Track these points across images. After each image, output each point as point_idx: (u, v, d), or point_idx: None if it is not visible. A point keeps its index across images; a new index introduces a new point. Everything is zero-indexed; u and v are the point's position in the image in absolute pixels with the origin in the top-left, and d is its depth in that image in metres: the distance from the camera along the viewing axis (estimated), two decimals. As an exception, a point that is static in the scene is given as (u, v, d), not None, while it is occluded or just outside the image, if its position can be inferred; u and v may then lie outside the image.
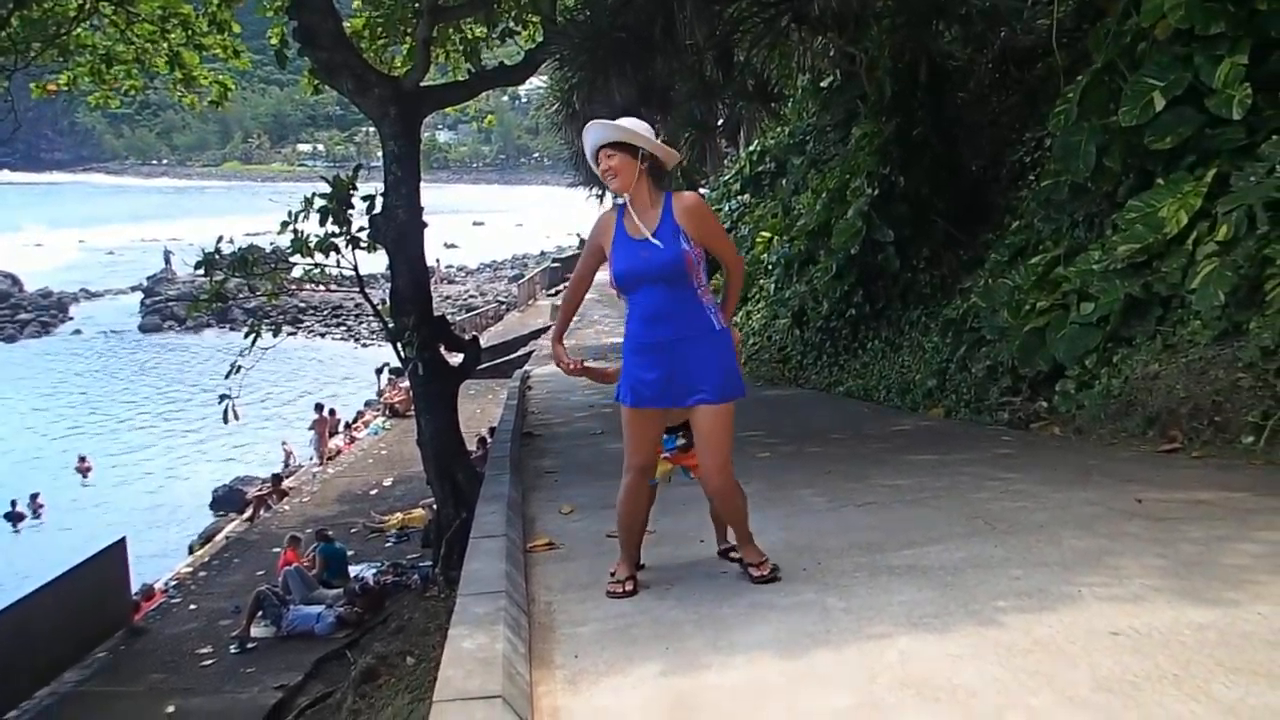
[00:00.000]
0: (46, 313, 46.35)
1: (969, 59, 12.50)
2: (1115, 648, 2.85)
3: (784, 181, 19.02)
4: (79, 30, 12.42)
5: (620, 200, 3.69)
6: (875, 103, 12.25)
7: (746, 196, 21.10)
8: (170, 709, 9.66)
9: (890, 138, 11.81)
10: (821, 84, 15.39)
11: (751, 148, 20.79)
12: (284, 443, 24.30)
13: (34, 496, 22.30)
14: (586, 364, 4.04)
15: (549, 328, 28.64)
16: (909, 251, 11.55)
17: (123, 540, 12.46)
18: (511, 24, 12.52)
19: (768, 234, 17.30)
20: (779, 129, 18.79)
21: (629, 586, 3.82)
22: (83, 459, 25.33)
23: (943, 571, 3.71)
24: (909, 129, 11.56)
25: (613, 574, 3.91)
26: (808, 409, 10.86)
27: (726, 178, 22.44)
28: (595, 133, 3.67)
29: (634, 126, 3.63)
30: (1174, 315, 6.76)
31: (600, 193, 23.20)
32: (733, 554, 4.10)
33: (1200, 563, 3.55)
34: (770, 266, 16.19)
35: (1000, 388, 8.39)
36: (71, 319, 46.68)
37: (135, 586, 12.98)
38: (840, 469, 6.36)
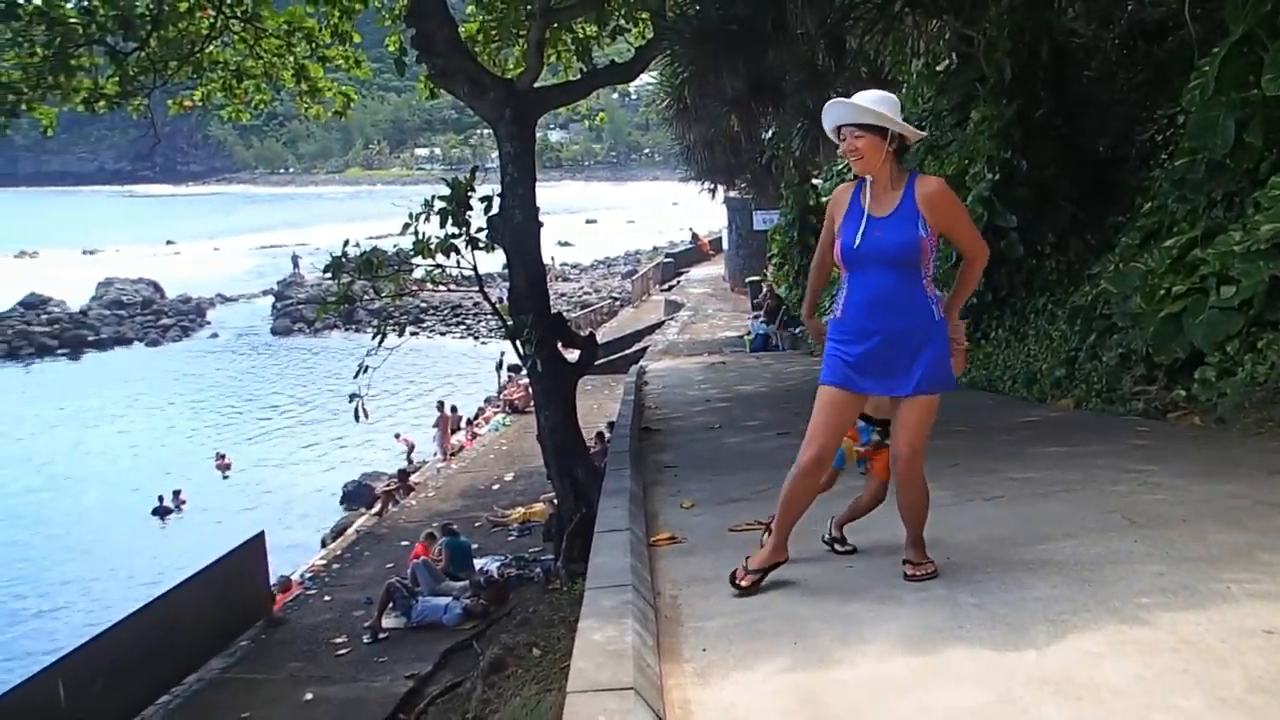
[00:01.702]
0: (186, 317, 48.57)
1: (1093, 35, 12.05)
2: (1269, 647, 2.73)
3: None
4: (211, 48, 12.99)
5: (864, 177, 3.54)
6: (994, 85, 11.89)
7: (862, 185, 20.75)
8: (308, 696, 10.05)
9: (1010, 120, 11.46)
10: (937, 68, 15.02)
11: (866, 136, 20.43)
12: (398, 435, 24.93)
13: (176, 493, 23.43)
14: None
15: (663, 323, 28.78)
16: (1033, 237, 11.19)
17: (261, 534, 12.99)
18: (622, 22, 12.59)
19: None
20: (894, 116, 18.43)
21: (747, 581, 3.73)
22: (222, 456, 26.53)
23: (1079, 567, 3.60)
24: (1030, 111, 11.20)
25: (746, 568, 3.78)
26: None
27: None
28: (838, 111, 3.50)
29: (881, 107, 3.44)
30: (1324, 297, 6.40)
31: (712, 187, 23.18)
32: (838, 546, 4.10)
33: (1359, 558, 3.37)
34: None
35: (1134, 376, 8.07)
36: (209, 323, 48.82)
37: (273, 578, 13.53)
38: (966, 462, 6.21)
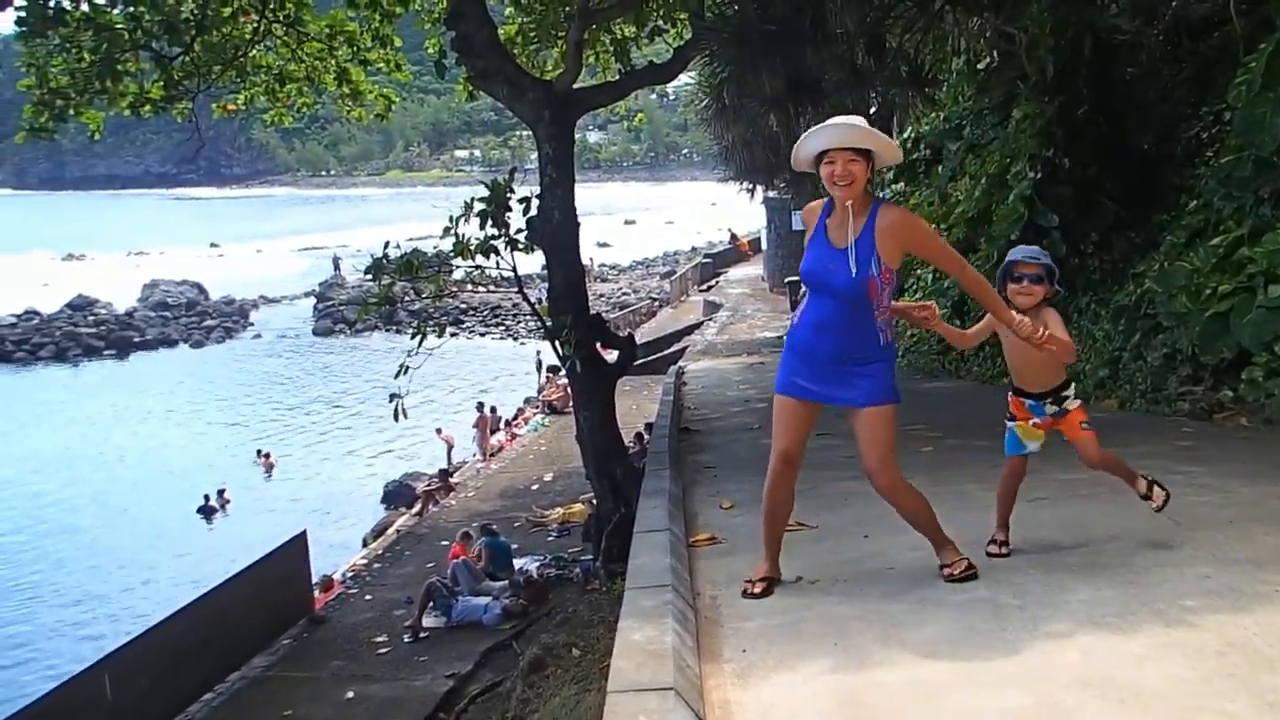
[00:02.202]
0: (230, 319, 49.23)
1: (1137, 32, 11.87)
2: (1318, 651, 2.69)
3: (940, 168, 18.49)
4: (254, 52, 13.19)
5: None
6: (1036, 83, 11.77)
7: (902, 185, 20.61)
8: (349, 694, 10.17)
9: (1052, 118, 11.34)
10: (978, 66, 14.89)
11: (906, 135, 20.27)
12: (439, 430, 25.09)
13: (220, 491, 23.76)
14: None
15: (702, 324, 28.76)
16: (1075, 236, 11.06)
17: (303, 533, 13.16)
18: (660, 22, 12.61)
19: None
20: (934, 115, 18.25)
21: (758, 589, 3.77)
22: (266, 455, 26.87)
23: (1123, 569, 3.57)
24: (1073, 108, 11.08)
25: (749, 580, 3.86)
26: (970, 401, 10.56)
27: (880, 167, 21.98)
28: (833, 134, 3.48)
29: (877, 132, 3.50)
30: (1375, 295, 6.28)
31: (751, 187, 23.10)
32: (991, 550, 4.01)
33: None
34: (927, 256, 15.79)
35: (1179, 377, 7.95)
36: (252, 324, 49.43)
37: (315, 577, 13.68)
38: (1007, 463, 6.16)
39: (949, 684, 2.79)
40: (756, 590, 3.78)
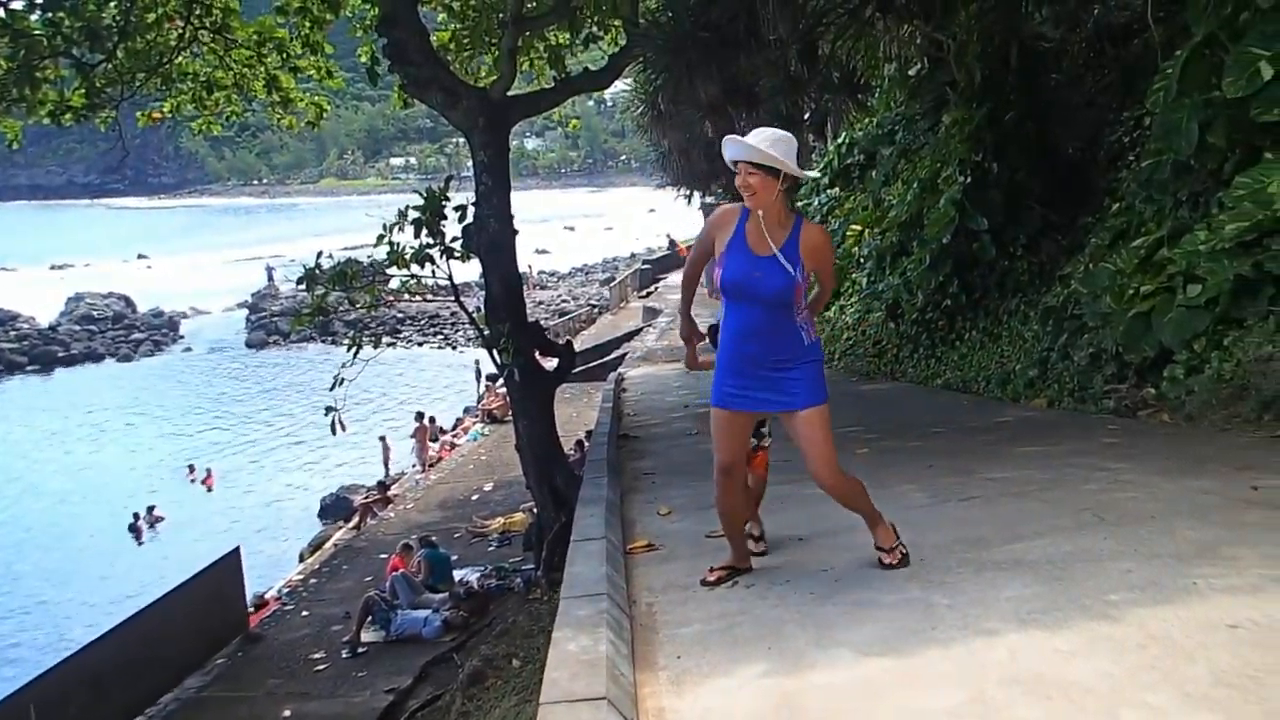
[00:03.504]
0: (159, 331, 48.15)
1: (1061, 39, 12.15)
2: (1234, 641, 2.76)
3: (873, 173, 18.74)
4: (180, 59, 12.91)
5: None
6: (965, 89, 11.99)
7: (836, 190, 20.86)
8: (287, 713, 9.99)
9: (981, 124, 11.56)
10: (909, 72, 15.13)
11: (839, 140, 20.55)
12: (382, 437, 24.75)
13: (150, 509, 23.22)
14: (701, 360, 4.18)
15: (642, 330, 28.77)
16: (1005, 239, 11.29)
17: (237, 549, 12.92)
18: (594, 29, 12.60)
19: (858, 227, 17.06)
20: (867, 120, 18.52)
21: (714, 576, 3.95)
22: (207, 472, 26.28)
23: (1051, 566, 3.64)
24: (1001, 114, 11.31)
25: (712, 567, 4.03)
26: (905, 403, 10.70)
27: (814, 172, 22.21)
28: (735, 149, 3.62)
29: (775, 149, 3.55)
30: (1288, 295, 6.48)
31: (689, 193, 23.24)
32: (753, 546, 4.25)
33: (1324, 552, 3.42)
34: (862, 260, 15.98)
35: (1105, 375, 8.14)
36: (182, 337, 48.42)
37: (250, 594, 13.43)
38: (941, 463, 6.26)
39: (883, 684, 2.82)
40: (711, 579, 3.92)
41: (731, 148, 3.63)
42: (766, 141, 3.56)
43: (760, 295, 3.61)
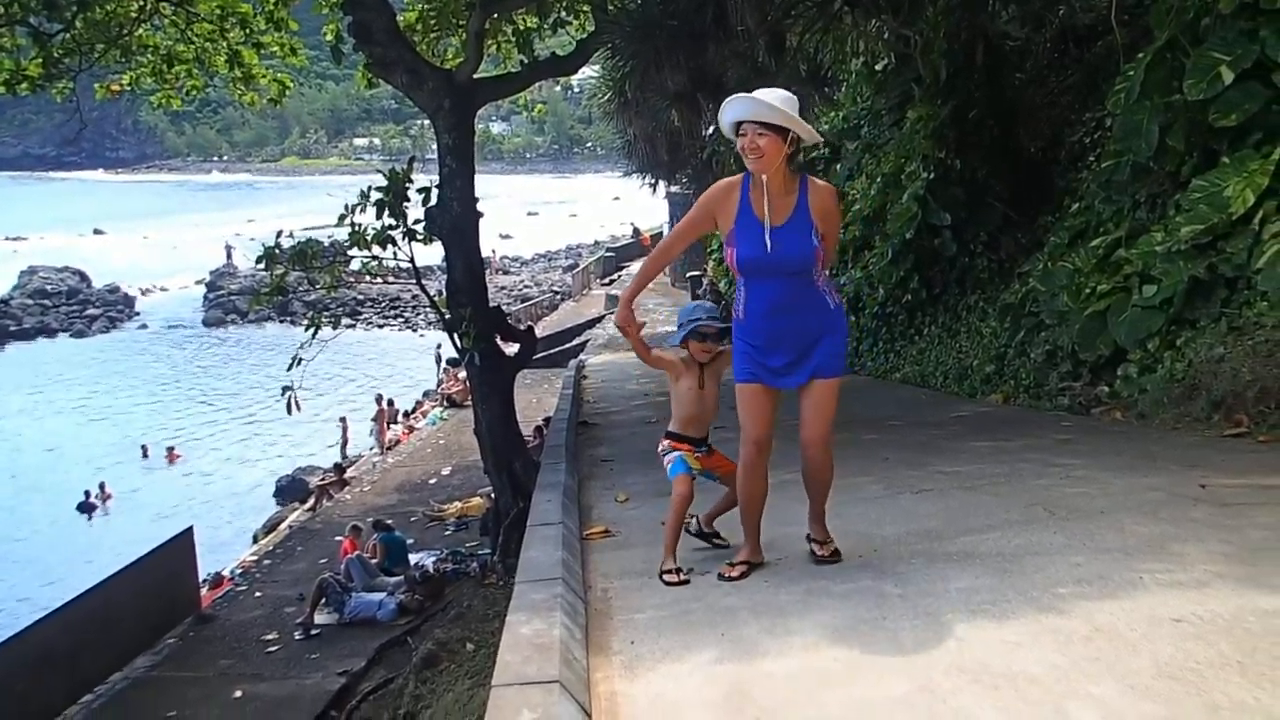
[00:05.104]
0: (114, 308, 47.47)
1: (1026, 39, 12.28)
2: (1178, 634, 2.81)
3: (838, 167, 18.84)
4: (140, 31, 12.70)
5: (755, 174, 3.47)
6: (930, 85, 12.07)
7: (801, 182, 20.94)
8: (238, 694, 9.91)
9: (946, 120, 11.65)
10: (875, 68, 15.20)
11: (805, 133, 20.62)
12: (342, 418, 24.52)
13: (101, 486, 22.90)
14: (654, 352, 4.13)
15: (604, 317, 28.72)
16: (966, 236, 11.40)
17: (189, 529, 12.78)
18: (563, 14, 12.53)
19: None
20: (832, 114, 18.58)
21: (735, 572, 3.74)
22: (145, 450, 25.95)
23: (1001, 558, 3.68)
24: (965, 111, 11.40)
25: (730, 563, 3.81)
26: (864, 396, 10.78)
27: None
28: (742, 107, 3.43)
29: (788, 107, 3.39)
30: (1239, 297, 6.60)
31: (654, 182, 23.13)
32: (716, 540, 4.18)
33: (1266, 548, 3.47)
34: (825, 253, 16.06)
35: (1060, 373, 8.26)
36: (138, 314, 47.78)
37: (203, 574, 13.29)
38: (897, 456, 6.31)
39: (833, 672, 2.84)
40: (734, 574, 3.72)
41: (739, 105, 3.44)
42: (779, 99, 3.40)
43: (782, 267, 3.47)
